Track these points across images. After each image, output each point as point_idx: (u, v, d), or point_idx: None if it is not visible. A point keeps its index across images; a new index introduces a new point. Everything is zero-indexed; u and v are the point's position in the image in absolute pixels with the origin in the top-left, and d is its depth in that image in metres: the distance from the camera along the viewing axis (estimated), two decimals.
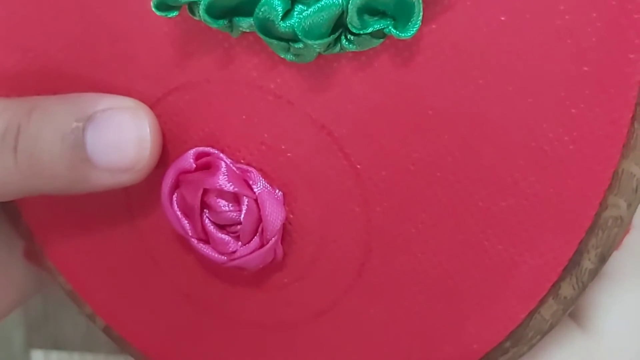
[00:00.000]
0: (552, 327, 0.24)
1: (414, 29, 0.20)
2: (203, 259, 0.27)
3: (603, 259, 0.22)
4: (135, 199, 0.27)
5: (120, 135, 0.23)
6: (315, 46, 0.21)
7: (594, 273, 0.23)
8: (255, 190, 0.24)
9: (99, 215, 0.28)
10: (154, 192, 0.26)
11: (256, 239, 0.25)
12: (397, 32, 0.20)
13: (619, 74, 0.20)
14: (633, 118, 0.20)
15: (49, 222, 0.29)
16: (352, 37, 0.21)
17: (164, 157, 0.26)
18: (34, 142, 0.23)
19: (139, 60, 0.24)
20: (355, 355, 0.27)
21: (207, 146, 0.25)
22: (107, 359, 0.51)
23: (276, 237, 0.25)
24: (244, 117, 0.24)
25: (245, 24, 0.21)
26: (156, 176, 0.26)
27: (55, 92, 0.25)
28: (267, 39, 0.21)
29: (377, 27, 0.20)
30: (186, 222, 0.25)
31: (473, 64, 0.21)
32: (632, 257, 0.27)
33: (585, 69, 0.20)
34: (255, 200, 0.24)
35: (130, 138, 0.24)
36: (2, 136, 0.24)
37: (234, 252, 0.25)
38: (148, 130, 0.24)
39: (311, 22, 0.20)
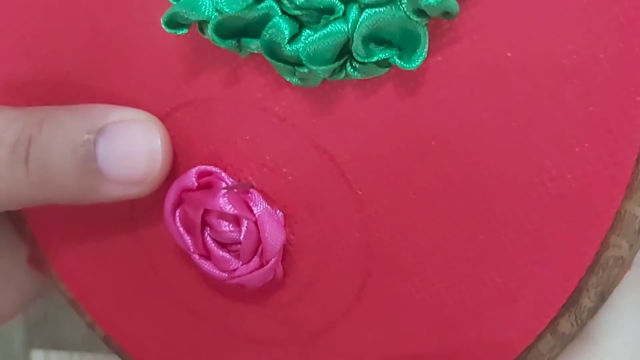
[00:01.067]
0: None
1: (419, 61, 0.20)
2: (204, 274, 0.27)
3: (603, 298, 0.22)
4: (139, 211, 0.27)
5: (132, 148, 0.23)
6: (319, 72, 0.20)
7: (593, 311, 0.22)
8: (255, 212, 0.24)
9: (103, 225, 0.28)
10: (158, 205, 0.26)
11: (256, 259, 0.25)
12: (402, 63, 0.20)
13: (625, 116, 0.20)
14: (637, 160, 0.20)
15: (54, 230, 0.29)
16: (357, 65, 0.21)
17: (170, 171, 0.25)
18: (45, 154, 0.23)
19: (147, 74, 0.24)
20: None
21: (211, 164, 0.25)
22: (107, 359, 0.51)
23: (276, 257, 0.24)
24: (247, 137, 0.24)
25: (254, 45, 0.21)
26: (160, 190, 0.25)
27: (64, 102, 0.25)
28: (273, 61, 0.21)
29: (382, 56, 0.20)
30: (188, 238, 0.25)
31: (477, 97, 0.21)
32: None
33: (591, 108, 0.20)
34: (255, 222, 0.24)
35: (142, 151, 0.24)
36: (14, 147, 0.23)
37: (234, 270, 0.25)
38: (159, 143, 0.24)
39: (316, 47, 0.20)
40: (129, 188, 0.24)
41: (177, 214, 0.25)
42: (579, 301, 0.22)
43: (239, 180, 0.25)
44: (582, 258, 0.21)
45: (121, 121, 0.23)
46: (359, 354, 0.26)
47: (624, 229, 0.21)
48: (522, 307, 0.23)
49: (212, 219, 0.25)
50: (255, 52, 0.22)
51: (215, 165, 0.25)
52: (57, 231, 0.29)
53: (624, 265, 0.21)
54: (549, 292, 0.22)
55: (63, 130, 0.23)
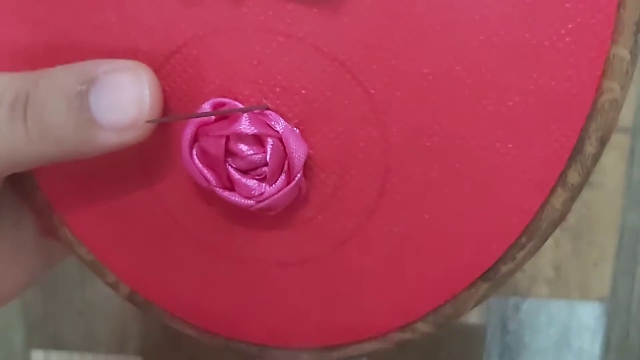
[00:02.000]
0: (562, 216, 0.25)
1: None
2: (225, 210, 0.27)
3: (603, 142, 0.24)
4: (149, 162, 0.28)
5: (121, 94, 0.24)
6: None
7: (596, 157, 0.24)
8: (278, 129, 0.25)
9: (115, 183, 0.28)
10: (167, 151, 0.27)
11: (282, 177, 0.25)
12: None
13: None
14: (618, 4, 0.22)
15: (67, 194, 0.29)
16: None
17: (178, 114, 0.26)
18: (42, 108, 0.24)
19: (144, 21, 0.25)
20: (381, 276, 0.28)
21: (220, 96, 0.25)
22: (107, 359, 0.51)
23: (301, 172, 0.25)
24: (255, 62, 0.25)
25: None
26: (168, 137, 0.26)
27: (65, 61, 0.25)
28: None
29: None
30: (209, 173, 0.26)
31: None
32: None
33: None
34: (280, 139, 0.25)
35: (130, 96, 0.24)
36: (12, 105, 0.24)
37: (260, 194, 0.26)
38: (147, 88, 0.25)
39: None
40: (123, 134, 0.25)
41: (194, 152, 0.26)
42: (583, 149, 0.24)
43: (254, 104, 0.25)
44: (582, 107, 0.23)
45: (111, 71, 0.24)
46: (388, 251, 0.27)
47: (615, 72, 0.23)
48: (533, 166, 0.25)
49: (233, 147, 0.25)
50: None
51: (226, 97, 0.25)
52: (71, 195, 0.29)
53: (618, 106, 0.23)
54: (556, 146, 0.24)
55: (57, 84, 0.24)
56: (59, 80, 0.25)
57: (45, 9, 0.26)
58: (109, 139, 0.25)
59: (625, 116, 0.50)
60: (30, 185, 0.30)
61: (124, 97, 0.24)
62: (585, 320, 0.53)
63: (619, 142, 0.52)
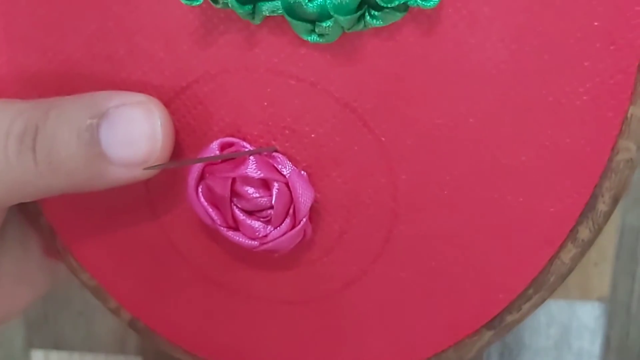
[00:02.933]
0: (570, 270, 0.25)
1: None
2: (229, 247, 0.27)
3: (616, 201, 0.23)
4: (155, 194, 0.27)
5: (132, 129, 0.24)
6: (343, 22, 0.21)
7: (608, 215, 0.24)
8: (284, 173, 0.25)
9: (121, 212, 0.28)
10: (174, 185, 0.26)
11: (287, 220, 0.25)
12: (422, 3, 0.21)
13: (626, 25, 0.21)
14: (639, 66, 0.22)
15: (72, 220, 0.29)
16: (375, 13, 0.21)
17: (185, 150, 0.26)
18: (52, 141, 0.24)
19: (155, 55, 0.24)
20: (385, 319, 0.27)
21: (228, 136, 0.25)
22: (107, 359, 0.50)
23: (306, 216, 0.25)
24: (265, 103, 0.24)
25: (267, 8, 0.22)
26: (176, 170, 0.26)
27: (74, 90, 0.25)
28: (292, 20, 0.22)
29: (402, 0, 0.21)
30: (213, 212, 0.25)
31: (492, 28, 0.22)
32: None
33: (596, 23, 0.21)
34: (286, 183, 0.25)
35: (142, 132, 0.24)
36: (22, 137, 0.24)
37: (265, 236, 0.25)
38: (159, 123, 0.24)
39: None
40: (133, 170, 0.24)
41: (200, 190, 0.25)
42: (595, 207, 0.24)
43: (261, 146, 0.25)
44: (596, 165, 0.23)
45: (122, 105, 0.24)
46: (393, 295, 0.27)
47: (632, 132, 0.22)
48: (544, 221, 0.24)
49: (239, 188, 0.25)
50: (269, 15, 0.22)
51: (234, 136, 0.25)
52: (75, 221, 0.29)
53: (633, 166, 0.23)
54: (568, 202, 0.24)
55: (67, 117, 0.24)
56: (69, 112, 0.24)
57: (56, 37, 0.25)
58: (118, 175, 0.24)
59: None
60: (34, 210, 0.29)
61: (136, 132, 0.24)
62: (585, 320, 0.53)
63: None
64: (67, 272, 0.32)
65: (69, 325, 0.49)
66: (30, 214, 0.30)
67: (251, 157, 0.24)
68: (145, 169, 0.24)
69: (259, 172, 0.24)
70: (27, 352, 0.50)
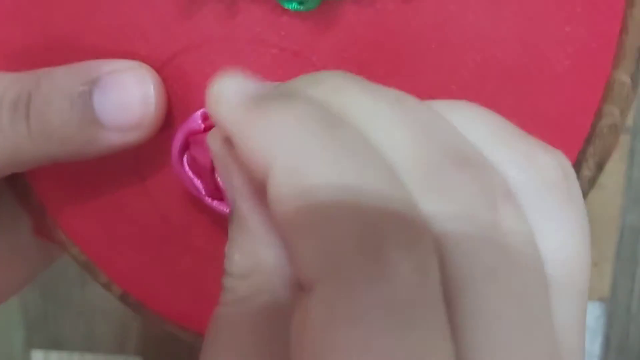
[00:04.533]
0: None
1: None
2: (217, 218, 0.27)
3: (600, 167, 0.23)
4: (144, 164, 0.27)
5: (125, 94, 0.24)
6: None
7: (593, 180, 0.24)
8: None
9: (110, 184, 0.28)
10: (163, 155, 0.26)
11: None
12: None
13: None
14: (621, 30, 0.22)
15: (61, 195, 0.29)
16: None
17: (171, 120, 0.26)
18: (45, 108, 0.24)
19: (141, 27, 0.24)
20: None
21: None
22: (107, 359, 0.51)
23: None
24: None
25: None
26: (163, 139, 0.26)
27: (61, 63, 0.25)
28: None
29: None
30: (198, 181, 0.26)
31: None
32: None
33: None
34: None
35: (135, 96, 0.24)
36: (15, 105, 0.24)
37: None
38: (152, 87, 0.24)
39: None
40: (126, 134, 0.24)
41: (185, 159, 0.26)
42: (579, 172, 0.24)
43: None
44: (580, 131, 0.23)
45: (114, 71, 0.24)
46: None
47: (615, 96, 0.22)
48: None
49: None
50: None
51: None
52: (64, 196, 0.29)
53: (617, 131, 0.23)
54: None
55: (59, 84, 0.24)
56: (61, 80, 0.24)
57: (42, 11, 0.25)
58: (112, 139, 0.24)
59: None
60: (23, 186, 0.29)
61: (129, 97, 0.24)
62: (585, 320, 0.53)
63: (619, 142, 0.51)
64: (59, 250, 0.32)
65: (69, 325, 0.50)
66: (19, 190, 0.29)
67: None
68: (146, 125, 0.24)
69: None
70: (27, 352, 0.50)
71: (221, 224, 0.28)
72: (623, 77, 0.22)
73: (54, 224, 0.30)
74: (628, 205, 0.52)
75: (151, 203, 0.28)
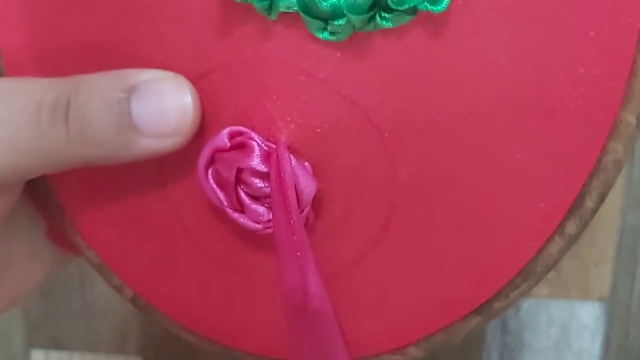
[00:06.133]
0: (556, 262, 0.26)
1: (446, 3, 0.22)
2: (235, 229, 0.28)
3: (602, 198, 0.25)
4: (168, 173, 0.28)
5: (163, 102, 0.25)
6: (355, 21, 0.22)
7: (595, 211, 0.25)
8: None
9: (131, 188, 0.29)
10: (187, 165, 0.27)
11: None
12: (432, 7, 0.22)
13: (619, 36, 0.23)
14: (630, 74, 0.23)
15: (81, 197, 0.30)
16: (386, 15, 0.23)
17: (199, 133, 0.27)
18: (84, 113, 0.25)
19: (176, 41, 0.25)
20: (380, 302, 0.29)
21: (239, 124, 0.26)
22: (107, 359, 0.52)
23: (309, 206, 0.26)
24: (274, 96, 0.25)
25: (284, 4, 0.23)
26: (189, 150, 0.27)
27: (95, 72, 0.26)
28: (307, 17, 0.23)
29: (413, 3, 0.22)
30: (221, 194, 0.27)
31: (494, 34, 0.23)
32: None
33: (592, 33, 0.23)
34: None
35: (173, 105, 0.25)
36: (54, 108, 0.25)
37: (268, 220, 0.26)
38: (189, 96, 0.25)
39: None
40: (162, 141, 0.25)
41: (210, 173, 0.27)
42: (583, 204, 0.25)
43: (268, 138, 0.26)
44: (585, 164, 0.24)
45: (152, 79, 0.25)
46: (389, 280, 0.28)
47: (621, 135, 0.24)
48: (534, 215, 0.26)
49: (246, 177, 0.26)
50: (285, 11, 0.23)
51: (244, 125, 0.26)
52: (84, 199, 0.30)
53: (620, 166, 0.24)
54: (557, 198, 0.25)
55: (98, 91, 0.25)
56: (100, 86, 0.25)
57: (78, 19, 0.26)
58: (148, 145, 0.25)
59: None
60: (43, 187, 0.30)
61: (166, 105, 0.25)
62: (585, 320, 0.54)
63: None
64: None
65: (69, 325, 0.50)
66: (39, 192, 0.30)
67: (256, 150, 0.26)
68: (183, 132, 0.25)
69: (263, 166, 0.26)
70: (27, 352, 0.51)
71: (238, 234, 0.29)
72: (629, 117, 0.24)
73: (71, 227, 0.31)
74: (628, 205, 0.53)
75: (171, 210, 0.29)
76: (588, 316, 0.54)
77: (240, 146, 0.26)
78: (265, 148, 0.26)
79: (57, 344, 0.51)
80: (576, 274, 0.52)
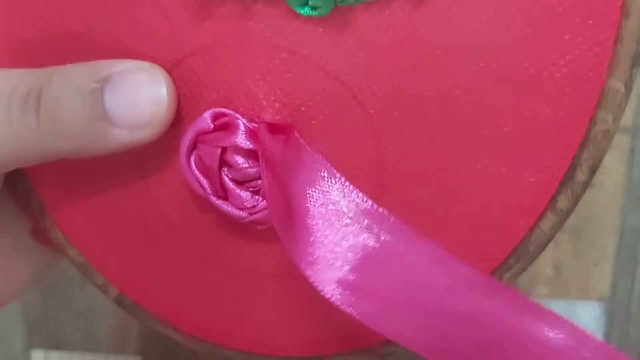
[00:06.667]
0: (550, 239, 0.26)
1: None
2: (219, 220, 0.28)
3: (593, 171, 0.24)
4: (148, 166, 0.28)
5: (137, 93, 0.24)
6: None
7: (586, 184, 0.25)
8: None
9: (112, 185, 0.28)
10: (167, 158, 0.27)
11: None
12: None
13: (604, 1, 0.22)
14: (616, 40, 0.23)
15: (62, 195, 0.29)
16: None
17: (179, 121, 0.26)
18: (55, 104, 0.24)
19: (153, 28, 0.25)
20: None
21: (222, 107, 0.26)
22: (107, 359, 0.51)
23: None
24: (257, 76, 0.25)
25: None
26: (169, 141, 0.26)
27: (72, 62, 0.25)
28: None
29: None
30: (204, 180, 0.26)
31: (477, 4, 0.23)
32: None
33: None
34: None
35: (147, 96, 0.25)
36: (25, 99, 0.24)
37: (253, 206, 0.26)
38: (164, 87, 0.25)
39: None
40: (136, 133, 0.25)
41: (192, 159, 0.26)
42: (574, 177, 0.25)
43: (253, 119, 0.26)
44: (575, 136, 0.24)
45: (126, 70, 0.25)
46: None
47: (609, 104, 0.23)
48: (524, 191, 0.25)
49: (230, 158, 0.25)
50: None
51: (227, 108, 0.26)
52: (65, 196, 0.29)
53: (610, 137, 0.24)
54: (548, 172, 0.25)
55: (71, 81, 0.24)
56: (73, 76, 0.25)
57: (52, 10, 0.26)
58: (121, 137, 0.25)
59: (625, 116, 0.51)
60: (24, 185, 0.30)
61: (140, 96, 0.25)
62: (585, 320, 0.53)
63: (619, 142, 0.52)
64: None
65: (69, 325, 0.50)
66: (19, 190, 0.30)
67: (241, 127, 0.25)
68: (156, 123, 0.25)
69: (248, 143, 0.25)
70: (27, 352, 0.51)
71: (225, 226, 0.28)
72: (617, 84, 0.23)
73: (53, 225, 0.30)
74: (628, 206, 0.53)
75: (152, 203, 0.28)
76: (588, 316, 0.54)
77: (224, 127, 0.26)
78: (251, 127, 0.26)
79: (57, 344, 0.51)
80: (576, 274, 0.52)
